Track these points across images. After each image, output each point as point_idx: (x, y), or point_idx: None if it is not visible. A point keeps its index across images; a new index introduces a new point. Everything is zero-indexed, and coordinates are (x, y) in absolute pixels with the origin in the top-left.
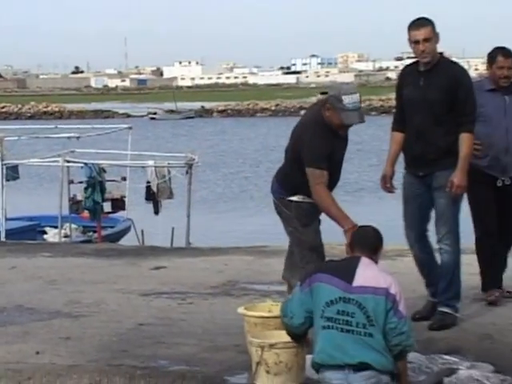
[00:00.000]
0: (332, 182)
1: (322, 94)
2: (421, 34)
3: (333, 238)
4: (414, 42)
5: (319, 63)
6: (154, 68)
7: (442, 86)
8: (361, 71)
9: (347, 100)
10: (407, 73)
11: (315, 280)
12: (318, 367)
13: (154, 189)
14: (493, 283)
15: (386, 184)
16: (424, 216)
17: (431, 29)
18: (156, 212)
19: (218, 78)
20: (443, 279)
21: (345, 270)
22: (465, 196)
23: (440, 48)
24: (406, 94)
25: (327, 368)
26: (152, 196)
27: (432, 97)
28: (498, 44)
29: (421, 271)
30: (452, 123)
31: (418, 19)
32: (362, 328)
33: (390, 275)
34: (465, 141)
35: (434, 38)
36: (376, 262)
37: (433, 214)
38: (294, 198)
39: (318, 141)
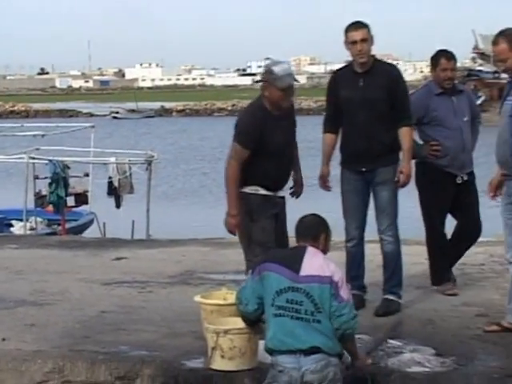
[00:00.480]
0: (278, 164)
1: (257, 82)
2: (358, 34)
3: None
4: (351, 43)
5: None
6: (116, 70)
7: (382, 85)
8: (313, 74)
9: (277, 69)
10: (341, 75)
11: (264, 269)
12: (270, 352)
13: (116, 184)
14: (445, 277)
15: (326, 183)
16: (364, 209)
17: (367, 31)
18: (117, 206)
19: (177, 79)
20: (387, 268)
21: (292, 260)
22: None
23: (389, 51)
24: (345, 94)
25: (280, 353)
26: (114, 191)
27: (373, 96)
28: (446, 46)
29: (351, 264)
30: (392, 120)
31: (355, 22)
32: (310, 315)
33: (333, 263)
34: (406, 135)
35: (369, 39)
36: (324, 250)
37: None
38: (246, 190)
39: (246, 118)
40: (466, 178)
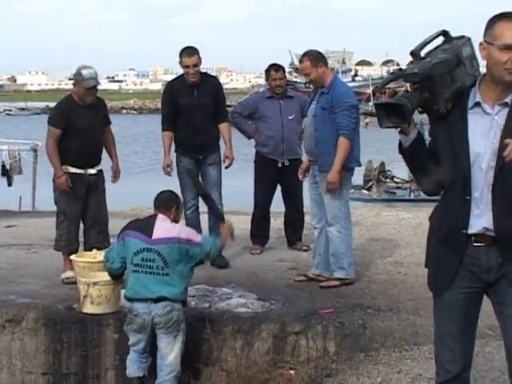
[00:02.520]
0: (83, 143)
1: (70, 79)
2: (191, 61)
3: (143, 204)
4: (186, 67)
5: (136, 75)
6: (10, 76)
7: (211, 93)
8: (166, 81)
9: (85, 72)
10: (176, 86)
11: (126, 235)
12: (128, 299)
13: (8, 167)
14: (257, 240)
15: (169, 171)
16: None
17: (198, 56)
18: (9, 184)
19: (59, 84)
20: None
21: (146, 227)
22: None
23: (225, 65)
24: (184, 101)
25: (135, 301)
26: (6, 172)
27: (206, 102)
28: (269, 61)
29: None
30: (215, 119)
31: (189, 47)
32: (160, 270)
33: (178, 224)
34: (226, 129)
35: (199, 62)
36: (175, 220)
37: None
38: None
39: (55, 107)
40: (287, 163)
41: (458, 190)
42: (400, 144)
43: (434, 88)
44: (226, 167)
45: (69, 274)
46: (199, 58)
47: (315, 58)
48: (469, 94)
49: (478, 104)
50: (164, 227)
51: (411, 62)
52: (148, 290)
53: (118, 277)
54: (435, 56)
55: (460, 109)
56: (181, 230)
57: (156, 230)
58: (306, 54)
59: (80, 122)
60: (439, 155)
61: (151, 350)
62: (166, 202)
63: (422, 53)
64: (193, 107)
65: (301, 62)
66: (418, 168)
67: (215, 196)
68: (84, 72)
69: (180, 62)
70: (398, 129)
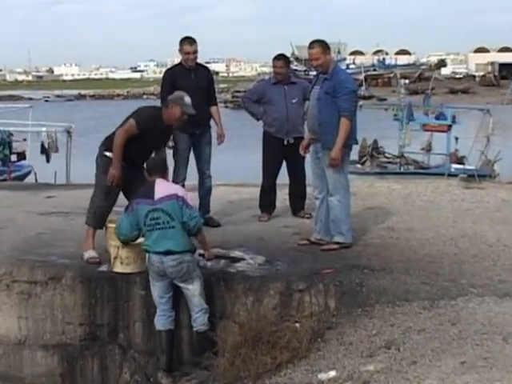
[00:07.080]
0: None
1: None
2: (191, 48)
3: None
4: (187, 53)
5: (156, 65)
6: (48, 68)
7: (206, 78)
8: None
9: (187, 99)
10: (176, 71)
11: (135, 204)
12: (147, 251)
13: (46, 146)
14: (264, 209)
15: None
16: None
17: (196, 44)
18: (47, 161)
19: (90, 74)
20: (207, 197)
21: (148, 192)
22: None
23: (234, 56)
24: (183, 83)
25: (151, 253)
26: (45, 151)
27: (202, 84)
28: (273, 52)
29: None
30: (209, 100)
31: (189, 37)
32: (167, 224)
33: (176, 185)
34: (216, 110)
35: (197, 50)
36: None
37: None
38: (107, 154)
39: (147, 111)
40: (292, 141)
41: None
42: None
43: None
44: (219, 144)
45: (91, 253)
46: (197, 47)
47: (325, 46)
48: None
49: None
50: (163, 188)
51: None
52: (159, 245)
53: (134, 240)
54: None
55: None
56: (178, 189)
57: (157, 193)
58: (317, 42)
59: (155, 136)
60: None
61: (173, 305)
62: (163, 166)
63: None
64: (191, 87)
65: (312, 48)
66: None
67: (207, 167)
68: (186, 99)
69: (180, 50)
70: None
